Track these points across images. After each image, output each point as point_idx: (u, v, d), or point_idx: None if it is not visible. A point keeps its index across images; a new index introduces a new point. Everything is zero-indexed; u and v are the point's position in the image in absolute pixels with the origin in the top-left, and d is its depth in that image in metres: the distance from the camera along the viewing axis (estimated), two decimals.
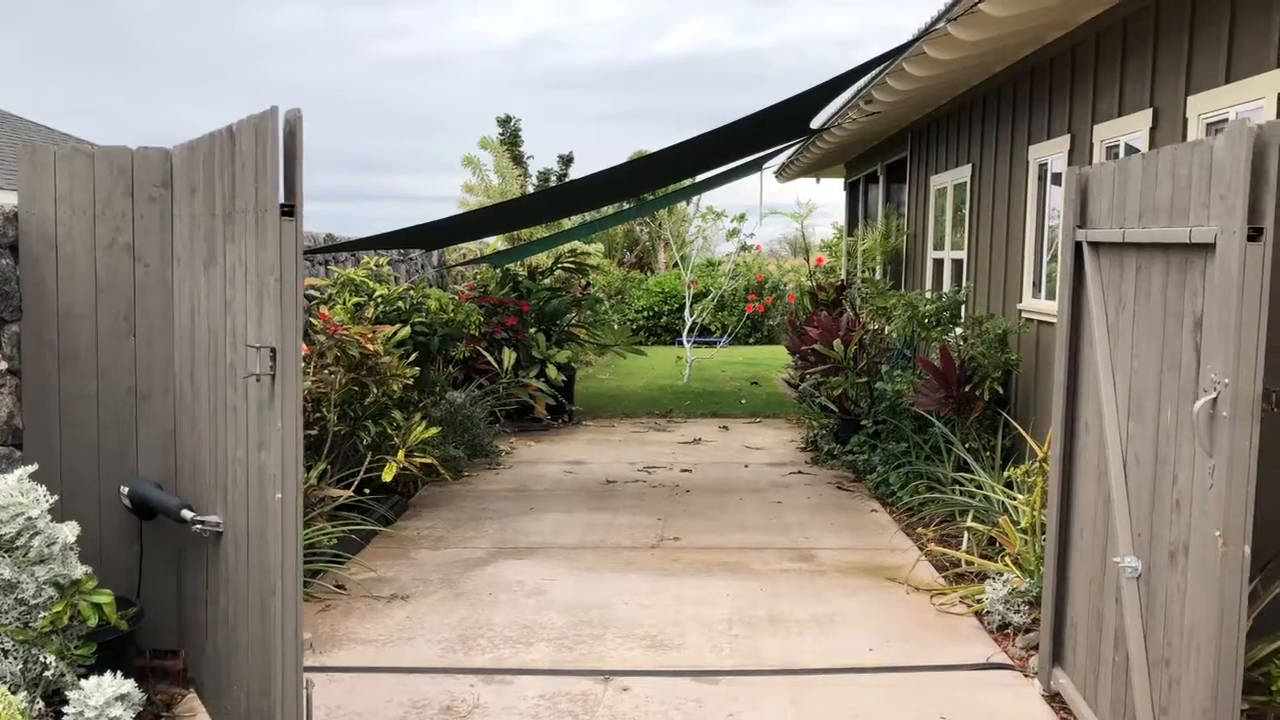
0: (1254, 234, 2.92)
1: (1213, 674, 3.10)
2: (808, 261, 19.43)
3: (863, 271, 14.08)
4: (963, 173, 10.03)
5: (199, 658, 4.39)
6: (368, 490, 6.91)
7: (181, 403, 4.43)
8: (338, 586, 5.87)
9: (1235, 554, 3.03)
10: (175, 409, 4.49)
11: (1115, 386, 3.92)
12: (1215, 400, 3.11)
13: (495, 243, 14.28)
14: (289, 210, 3.27)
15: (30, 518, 3.86)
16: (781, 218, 17.80)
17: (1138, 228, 3.70)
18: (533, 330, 11.44)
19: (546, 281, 12.45)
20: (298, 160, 3.27)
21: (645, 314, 22.83)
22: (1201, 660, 3.16)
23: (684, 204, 21.74)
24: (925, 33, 7.49)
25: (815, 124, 10.27)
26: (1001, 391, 7.80)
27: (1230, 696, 3.10)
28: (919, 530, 6.95)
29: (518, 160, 24.22)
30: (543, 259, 13.11)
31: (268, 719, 3.56)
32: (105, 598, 3.94)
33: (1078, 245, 4.31)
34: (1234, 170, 2.95)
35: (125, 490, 4.41)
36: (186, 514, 4.16)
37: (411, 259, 11.96)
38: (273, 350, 3.31)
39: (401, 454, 7.12)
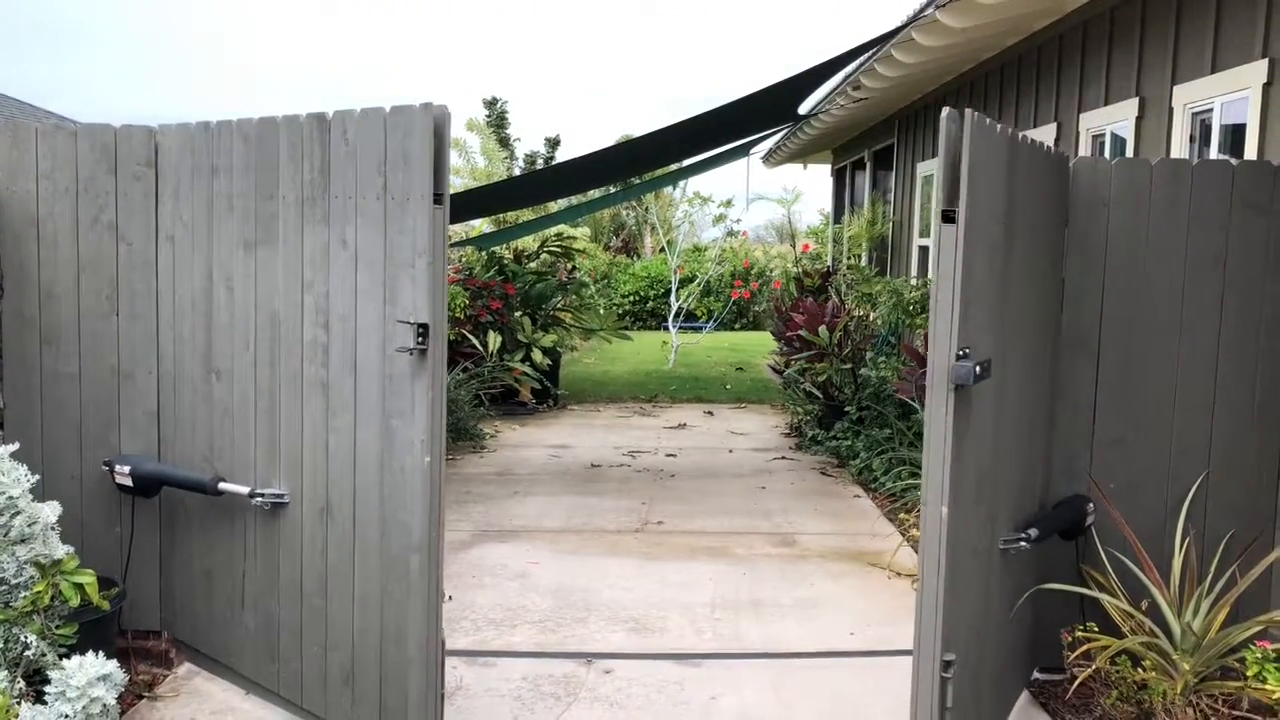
0: (946, 216, 3.16)
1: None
2: (794, 248, 19.46)
3: (848, 258, 14.11)
4: None
5: (221, 631, 4.41)
6: None
7: (179, 383, 4.42)
8: None
9: (934, 514, 3.26)
10: (159, 389, 4.47)
11: None
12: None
13: (481, 225, 14.25)
14: (437, 198, 3.48)
15: (11, 497, 3.84)
16: (768, 203, 17.81)
17: None
18: (518, 314, 11.43)
19: (532, 265, 12.43)
20: (445, 152, 3.49)
21: (631, 299, 22.83)
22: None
23: (671, 189, 21.71)
24: (914, 19, 7.50)
25: (803, 110, 10.28)
26: None
27: (932, 648, 3.37)
28: (901, 516, 6.99)
29: (504, 143, 24.14)
30: (529, 242, 13.08)
31: (398, 672, 3.71)
32: (87, 578, 3.93)
33: None
34: (945, 160, 3.22)
35: (126, 469, 4.38)
36: (229, 487, 4.19)
37: None
38: (424, 326, 3.49)
39: None
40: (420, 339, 3.49)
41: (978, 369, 3.22)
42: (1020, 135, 3.71)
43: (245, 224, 4.12)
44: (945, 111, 3.25)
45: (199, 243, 4.30)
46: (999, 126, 3.48)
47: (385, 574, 3.73)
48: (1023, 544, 3.89)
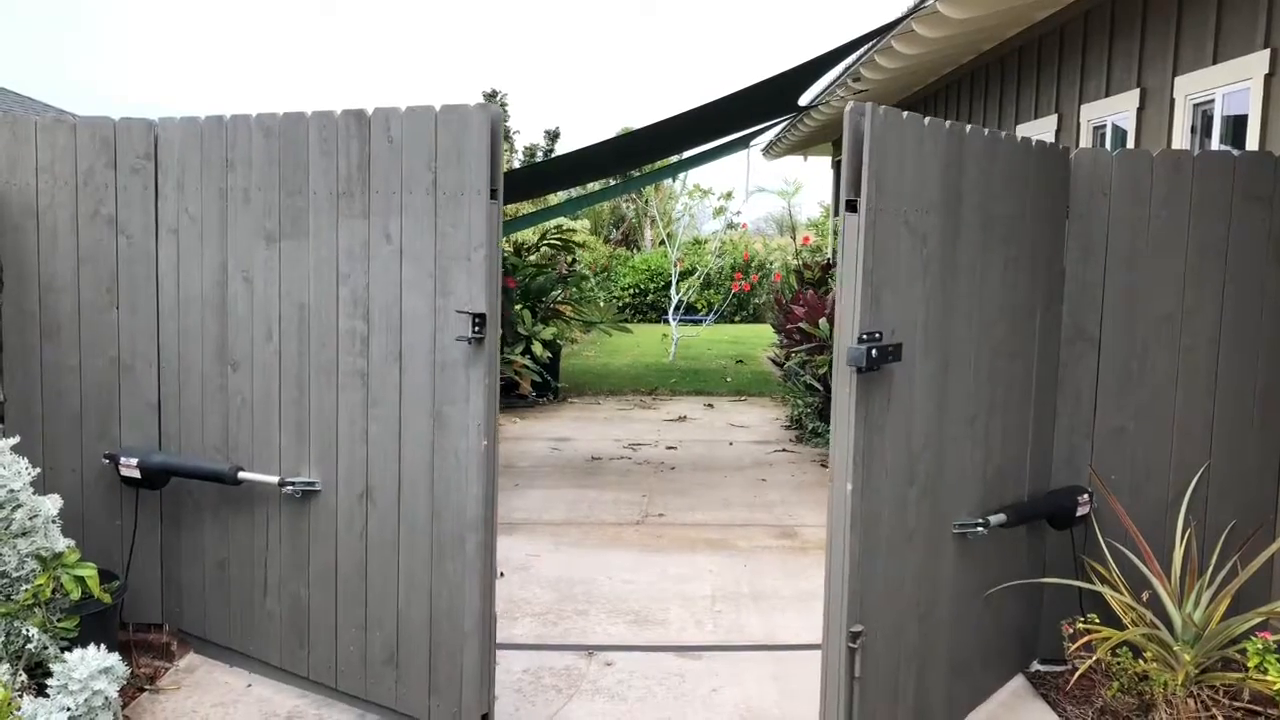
0: (850, 205, 3.34)
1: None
2: (794, 240, 19.44)
3: None
4: None
5: (238, 620, 4.43)
6: None
7: (185, 375, 4.42)
8: None
9: (840, 491, 3.41)
10: (161, 381, 4.46)
11: None
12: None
13: None
14: (493, 193, 3.63)
15: (12, 490, 3.84)
16: (768, 196, 17.82)
17: None
18: (518, 307, 11.42)
19: (532, 258, 12.42)
20: (500, 149, 3.66)
21: (631, 291, 22.80)
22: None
23: (671, 181, 21.69)
24: (914, 10, 7.48)
25: (803, 101, 10.26)
26: None
27: (840, 618, 3.50)
28: None
29: (504, 135, 24.08)
30: (529, 235, 13.08)
31: (451, 647, 3.84)
32: (88, 571, 3.93)
33: None
34: (848, 152, 3.33)
35: (133, 461, 4.37)
36: (254, 476, 4.22)
37: None
38: (481, 316, 3.64)
39: None
40: (477, 328, 3.64)
41: (873, 352, 3.29)
42: (969, 128, 3.74)
43: (267, 217, 4.15)
44: (849, 105, 3.32)
45: (210, 235, 4.30)
46: (928, 120, 3.53)
47: (437, 554, 3.84)
48: (980, 529, 3.91)
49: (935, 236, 3.61)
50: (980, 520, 3.93)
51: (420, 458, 3.86)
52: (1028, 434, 4.27)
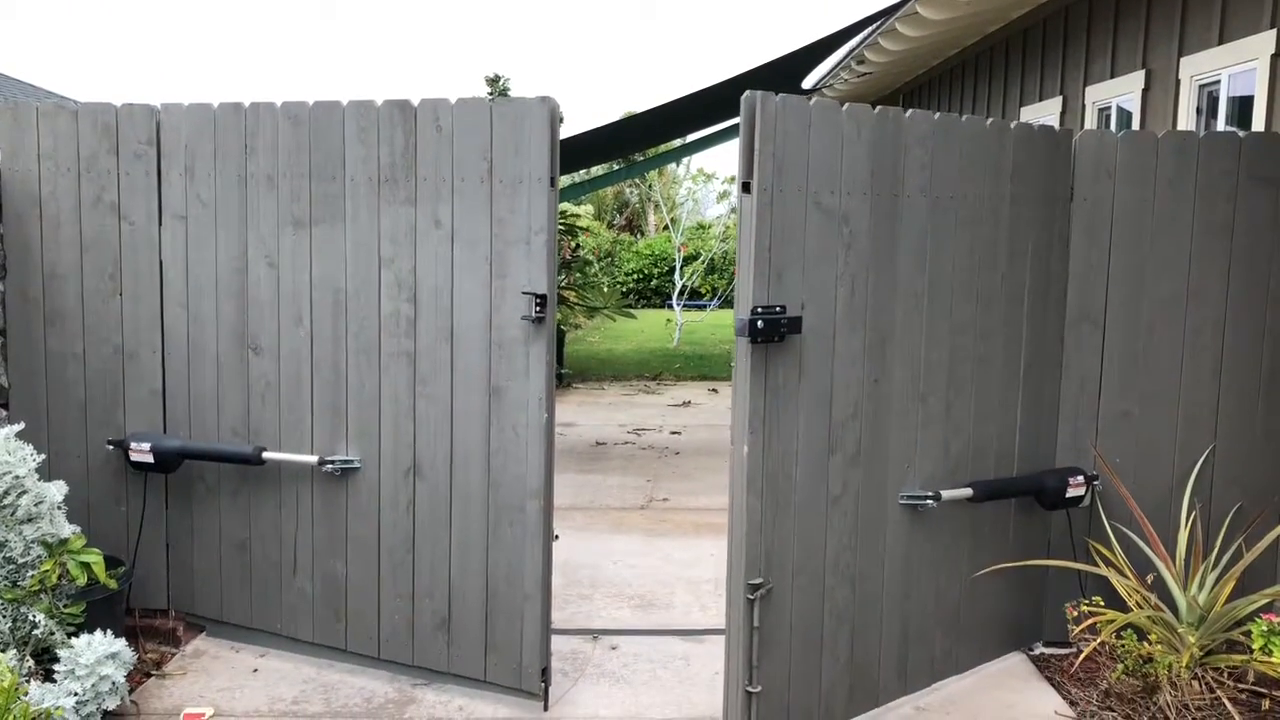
0: (745, 187, 3.48)
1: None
2: None
3: None
4: None
5: (261, 600, 4.47)
6: None
7: (197, 361, 4.43)
8: None
9: (738, 452, 3.54)
10: (166, 368, 4.46)
11: None
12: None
13: None
14: (551, 181, 3.80)
15: (18, 476, 3.85)
16: None
17: None
18: None
19: None
20: (557, 140, 3.81)
21: (635, 277, 22.77)
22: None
23: (674, 166, 21.63)
24: None
25: (807, 84, 10.22)
26: None
27: (740, 569, 3.74)
28: None
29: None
30: None
31: (510, 609, 4.03)
32: (94, 556, 3.94)
33: None
34: (743, 136, 3.48)
35: (145, 446, 4.37)
36: (290, 457, 4.27)
37: None
38: (543, 297, 3.81)
39: None
40: (539, 308, 3.82)
41: (759, 324, 3.42)
42: (910, 112, 3.77)
43: (295, 203, 4.18)
44: (746, 93, 3.43)
45: (227, 221, 4.31)
46: (847, 106, 3.60)
47: (494, 522, 4.02)
48: (929, 503, 3.95)
49: (863, 217, 3.68)
50: (930, 494, 3.95)
51: (475, 432, 4.00)
52: (1014, 414, 4.27)
